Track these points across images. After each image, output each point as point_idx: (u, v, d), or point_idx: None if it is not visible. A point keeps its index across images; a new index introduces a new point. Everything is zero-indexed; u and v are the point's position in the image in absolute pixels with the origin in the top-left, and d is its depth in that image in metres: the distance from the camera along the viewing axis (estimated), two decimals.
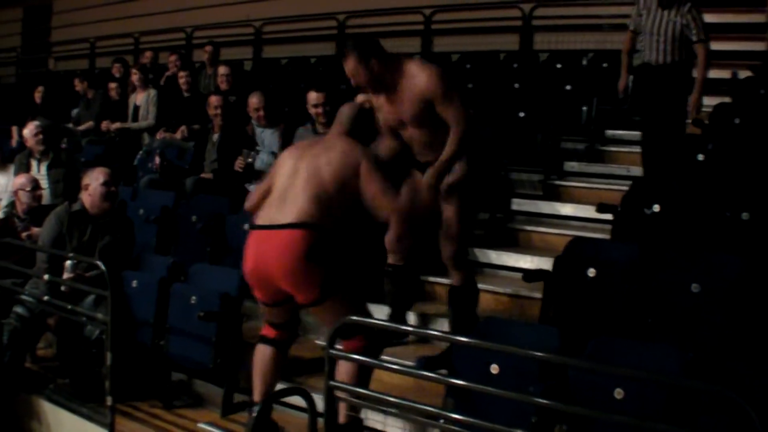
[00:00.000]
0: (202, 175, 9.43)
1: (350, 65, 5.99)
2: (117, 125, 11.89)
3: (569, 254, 6.18)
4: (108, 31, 17.94)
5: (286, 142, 9.07)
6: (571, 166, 9.46)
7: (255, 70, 14.43)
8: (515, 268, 7.69)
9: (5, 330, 7.04)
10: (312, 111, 8.30)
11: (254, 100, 9.28)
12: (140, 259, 7.45)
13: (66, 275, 6.91)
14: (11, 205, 8.67)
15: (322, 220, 5.22)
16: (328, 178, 5.30)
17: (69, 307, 6.65)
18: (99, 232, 7.18)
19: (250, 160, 8.95)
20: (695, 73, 8.20)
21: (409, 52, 12.68)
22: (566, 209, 8.65)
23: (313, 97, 8.26)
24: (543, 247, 8.12)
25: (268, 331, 5.72)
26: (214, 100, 9.66)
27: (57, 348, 7.45)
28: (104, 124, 12.01)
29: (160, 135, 11.33)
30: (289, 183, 5.35)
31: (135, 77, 11.96)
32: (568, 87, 10.36)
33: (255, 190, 5.77)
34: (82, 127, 12.63)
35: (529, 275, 6.34)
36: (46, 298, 6.84)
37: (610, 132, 10.01)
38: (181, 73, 11.72)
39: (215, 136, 9.60)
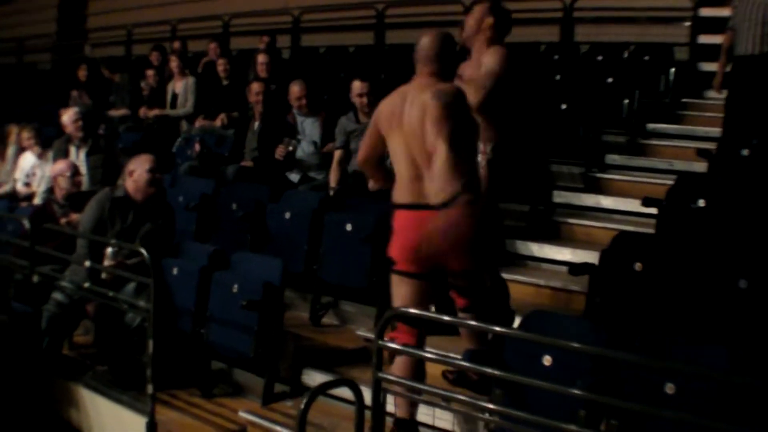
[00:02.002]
0: (243, 163, 9.41)
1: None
2: (155, 112, 11.90)
3: (615, 248, 6.09)
4: (145, 18, 17.93)
5: (327, 131, 9.07)
6: (613, 159, 9.34)
7: (293, 58, 14.36)
8: (558, 261, 7.62)
9: (44, 316, 7.05)
10: (356, 100, 8.32)
11: (296, 89, 9.24)
12: (180, 246, 7.42)
13: (107, 262, 6.89)
14: (50, 190, 8.66)
15: (466, 178, 5.00)
16: (441, 137, 5.00)
17: (110, 294, 6.65)
18: (141, 219, 7.17)
19: (290, 148, 8.92)
20: None
21: None
22: (608, 202, 8.57)
23: (357, 86, 8.29)
24: (585, 240, 8.02)
25: (406, 338, 5.22)
26: (255, 86, 9.63)
27: (95, 335, 7.44)
28: (142, 111, 12.02)
29: (198, 123, 11.35)
30: (414, 154, 5.19)
31: (173, 64, 11.97)
32: (609, 80, 10.21)
33: (361, 147, 5.70)
34: (116, 113, 12.65)
35: (575, 268, 6.24)
36: (86, 285, 6.83)
37: (651, 125, 9.90)
38: (221, 61, 11.71)
39: (256, 124, 9.58)
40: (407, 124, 5.18)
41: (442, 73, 5.29)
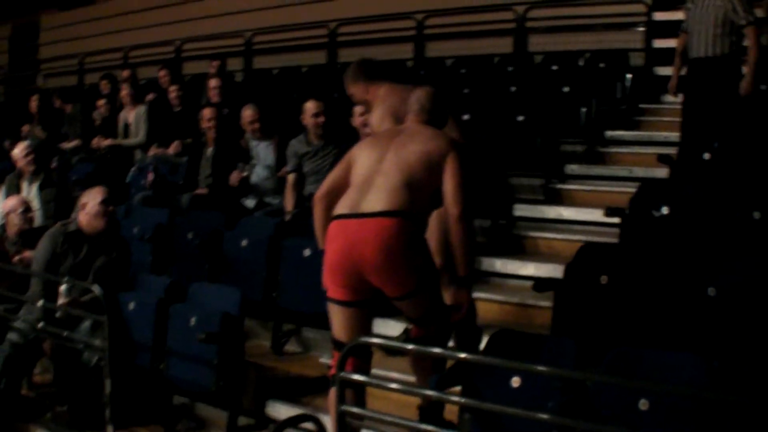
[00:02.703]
0: (197, 191, 9.23)
1: None
2: (108, 142, 11.67)
3: (580, 261, 5.97)
4: (97, 45, 17.75)
5: (280, 154, 8.91)
6: (572, 169, 9.26)
7: (246, 81, 14.24)
8: (521, 276, 7.47)
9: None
10: (310, 121, 8.18)
11: (248, 113, 9.10)
12: (136, 279, 7.23)
13: (61, 300, 6.69)
14: (1, 228, 8.49)
15: (415, 209, 4.87)
16: (418, 166, 4.93)
17: (65, 333, 6.47)
18: (94, 253, 6.98)
19: (245, 174, 8.77)
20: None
21: (402, 58, 12.62)
22: (569, 213, 8.46)
23: (311, 106, 8.16)
24: (549, 253, 7.89)
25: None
26: (207, 112, 9.47)
27: (54, 374, 7.24)
28: (95, 141, 11.80)
29: (152, 151, 11.14)
30: (375, 170, 4.97)
31: (124, 93, 11.79)
32: (565, 89, 10.21)
33: (327, 178, 5.33)
34: (68, 145, 12.40)
35: (539, 284, 6.11)
36: (40, 324, 6.64)
37: (609, 133, 9.84)
38: (172, 88, 11.53)
39: (209, 150, 9.41)
40: (396, 144, 5.07)
41: (430, 121, 5.31)
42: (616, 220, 6.83)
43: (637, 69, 10.81)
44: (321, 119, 8.18)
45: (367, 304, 4.99)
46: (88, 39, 18.22)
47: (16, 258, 7.69)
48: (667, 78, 8.91)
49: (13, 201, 8.13)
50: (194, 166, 9.50)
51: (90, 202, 7.00)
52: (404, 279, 4.84)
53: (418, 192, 4.90)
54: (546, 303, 6.34)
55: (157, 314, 6.61)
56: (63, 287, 6.68)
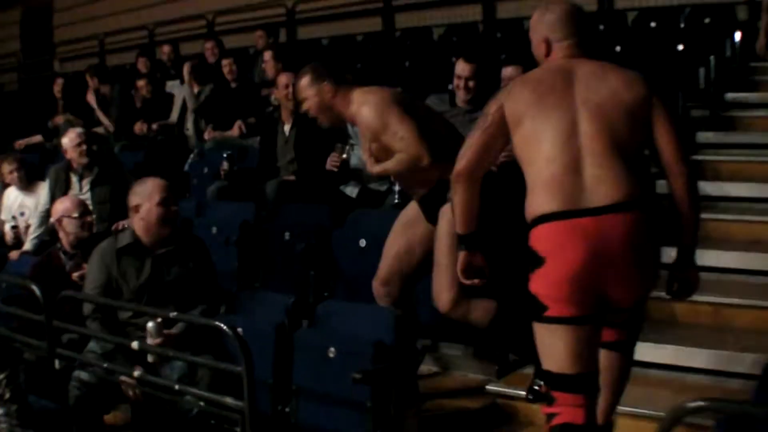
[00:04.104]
0: (284, 178, 7.68)
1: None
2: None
3: None
4: (118, 25, 16.29)
5: None
6: (706, 137, 8.19)
7: (292, 52, 12.60)
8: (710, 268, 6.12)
9: (69, 398, 5.24)
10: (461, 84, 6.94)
11: None
12: (237, 296, 5.71)
13: (150, 340, 5.11)
14: (48, 232, 7.00)
15: (643, 188, 3.70)
16: (622, 125, 3.74)
17: (160, 381, 4.86)
18: (162, 268, 5.38)
19: (345, 156, 7.21)
20: None
21: None
22: (713, 188, 7.40)
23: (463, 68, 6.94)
24: (721, 238, 6.76)
25: (570, 413, 3.74)
26: (284, 78, 7.81)
27: (133, 419, 5.63)
28: (138, 126, 10.28)
29: (209, 134, 9.63)
30: (574, 140, 3.72)
31: (185, 71, 10.46)
32: (679, 47, 9.17)
33: (468, 146, 4.02)
34: (99, 131, 10.95)
35: None
36: (136, 374, 4.91)
37: (731, 95, 8.69)
38: (225, 61, 10.00)
39: (286, 128, 7.84)
40: (586, 100, 3.74)
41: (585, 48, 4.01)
42: None
43: (744, 23, 9.53)
44: (472, 83, 6.84)
45: (600, 320, 3.79)
46: (106, 18, 16.73)
47: (76, 274, 6.08)
48: None
49: (66, 203, 6.45)
50: (270, 148, 7.93)
51: (145, 204, 5.35)
52: (648, 281, 3.80)
53: (633, 162, 3.72)
54: None
55: (277, 343, 5.06)
56: (150, 325, 5.09)
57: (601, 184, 3.63)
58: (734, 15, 9.72)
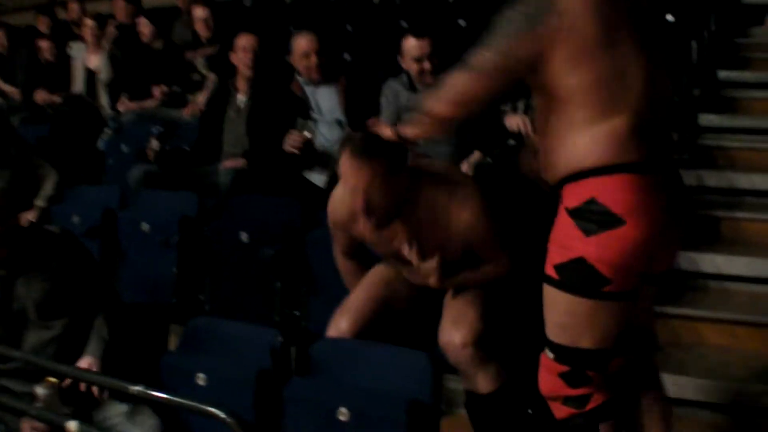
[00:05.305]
0: (227, 164, 6.16)
1: None
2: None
3: None
4: None
5: (349, 104, 6.09)
6: (709, 119, 7.23)
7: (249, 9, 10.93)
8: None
9: None
10: (412, 66, 5.38)
11: (303, 43, 6.06)
12: (188, 326, 4.23)
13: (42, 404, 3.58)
14: None
15: None
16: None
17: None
18: (18, 288, 3.98)
19: (308, 135, 5.78)
20: None
21: None
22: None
23: (412, 46, 5.32)
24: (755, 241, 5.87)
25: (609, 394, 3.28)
26: (245, 40, 6.33)
27: None
28: (40, 95, 8.70)
29: (123, 105, 8.13)
30: (644, 74, 3.08)
31: (88, 31, 8.88)
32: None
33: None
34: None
35: None
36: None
37: (723, 73, 7.81)
38: (142, 21, 8.46)
39: (241, 100, 6.33)
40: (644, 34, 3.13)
41: None
42: None
43: None
44: (427, 65, 5.27)
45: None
46: None
47: None
48: (758, 7, 7.26)
49: None
50: (215, 123, 6.39)
51: None
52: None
53: None
54: None
55: (258, 400, 3.64)
56: (39, 390, 3.59)
57: (663, 136, 3.17)
58: None
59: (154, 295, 5.37)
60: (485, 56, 3.10)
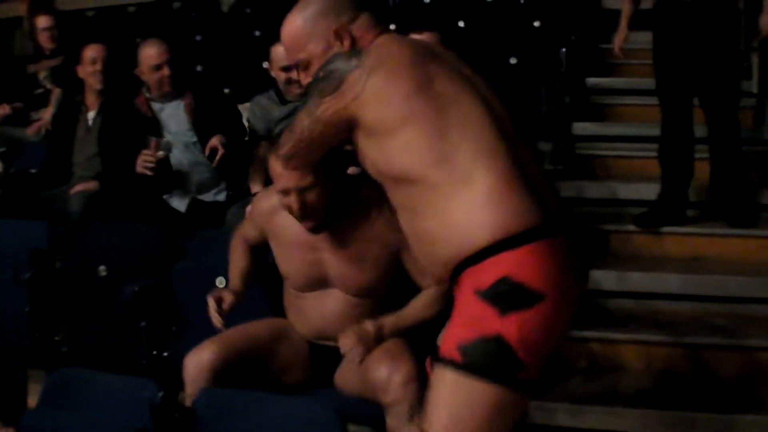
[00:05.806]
0: (78, 187, 5.76)
1: None
2: None
3: None
4: None
5: (197, 121, 5.67)
6: (584, 127, 7.38)
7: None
8: None
9: None
10: (280, 75, 5.33)
11: (152, 53, 5.61)
12: (60, 376, 3.74)
13: None
14: None
15: None
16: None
17: None
18: None
19: (161, 153, 5.39)
20: None
21: None
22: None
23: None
24: None
25: None
26: (92, 51, 6.03)
27: None
28: None
29: None
30: (499, 129, 2.82)
31: None
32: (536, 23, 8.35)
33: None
34: None
35: None
36: None
37: (592, 80, 8.09)
38: None
39: (90, 116, 5.96)
40: (481, 90, 2.94)
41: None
42: None
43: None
44: (295, 74, 4.98)
45: None
46: None
47: None
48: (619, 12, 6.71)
49: None
50: (63, 142, 6.02)
51: None
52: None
53: None
54: None
55: None
56: None
57: (545, 191, 2.85)
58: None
59: (5, 337, 4.91)
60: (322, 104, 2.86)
